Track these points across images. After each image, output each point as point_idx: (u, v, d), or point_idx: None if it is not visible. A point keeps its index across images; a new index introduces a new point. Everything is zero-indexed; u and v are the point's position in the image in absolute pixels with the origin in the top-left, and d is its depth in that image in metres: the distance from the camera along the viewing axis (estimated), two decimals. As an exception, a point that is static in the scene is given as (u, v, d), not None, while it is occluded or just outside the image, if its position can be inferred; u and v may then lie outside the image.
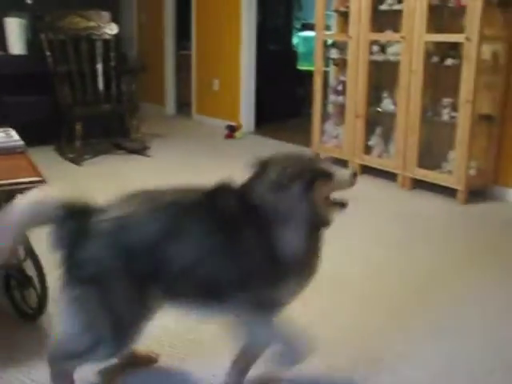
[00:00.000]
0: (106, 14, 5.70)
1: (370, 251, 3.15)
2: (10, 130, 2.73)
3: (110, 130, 5.79)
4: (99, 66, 5.48)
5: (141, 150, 5.51)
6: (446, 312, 2.46)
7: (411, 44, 4.25)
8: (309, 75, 5.58)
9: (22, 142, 2.54)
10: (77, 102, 5.25)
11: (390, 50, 4.57)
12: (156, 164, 5.14)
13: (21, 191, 2.12)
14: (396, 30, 4.46)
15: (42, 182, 2.08)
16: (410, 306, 2.51)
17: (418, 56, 4.21)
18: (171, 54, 8.26)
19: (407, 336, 2.26)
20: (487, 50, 4.07)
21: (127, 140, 5.65)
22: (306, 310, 2.42)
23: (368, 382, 1.96)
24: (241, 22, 6.65)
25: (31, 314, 2.30)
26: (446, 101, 4.21)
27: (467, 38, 3.86)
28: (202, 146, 5.98)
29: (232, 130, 6.43)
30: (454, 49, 4.12)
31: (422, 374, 2.01)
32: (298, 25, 8.75)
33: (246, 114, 6.82)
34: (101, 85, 5.49)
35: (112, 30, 5.58)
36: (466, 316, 2.44)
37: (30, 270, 2.24)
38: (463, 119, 3.98)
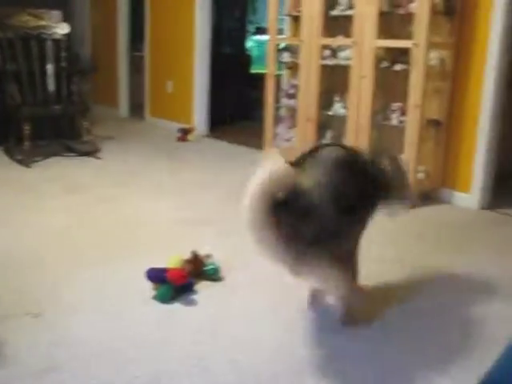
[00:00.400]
0: (57, 14, 5.61)
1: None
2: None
3: (61, 132, 5.70)
4: (49, 66, 5.38)
5: (92, 153, 5.43)
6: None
7: (362, 49, 4.31)
8: (262, 78, 5.60)
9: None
10: (26, 102, 5.15)
11: (342, 54, 4.63)
12: (107, 166, 5.07)
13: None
14: (347, 35, 4.52)
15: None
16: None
17: (369, 61, 4.27)
18: (124, 56, 8.17)
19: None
20: (435, 57, 4.17)
21: (78, 142, 5.57)
22: (250, 309, 2.43)
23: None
24: (195, 25, 6.64)
25: None
26: (396, 105, 4.29)
27: (415, 44, 3.94)
28: (155, 148, 5.94)
29: (185, 133, 6.40)
30: (404, 54, 4.20)
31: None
32: (252, 29, 8.79)
33: (200, 116, 6.80)
34: (51, 85, 5.39)
35: (63, 29, 5.49)
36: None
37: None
38: (412, 123, 4.06)
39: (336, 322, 2.35)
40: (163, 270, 2.55)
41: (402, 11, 4.18)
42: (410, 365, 2.09)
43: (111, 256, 3.00)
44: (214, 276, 2.73)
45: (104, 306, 2.45)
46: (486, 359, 1.65)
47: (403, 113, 4.21)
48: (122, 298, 2.53)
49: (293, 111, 5.14)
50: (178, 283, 2.51)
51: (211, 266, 2.74)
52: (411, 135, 4.07)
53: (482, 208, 4.14)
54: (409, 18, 4.08)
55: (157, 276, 2.54)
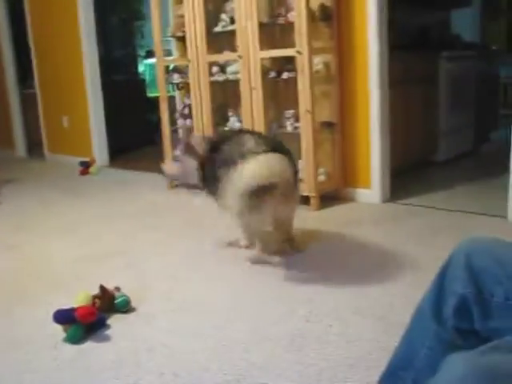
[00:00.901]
0: None
1: (226, 271, 3.19)
2: None
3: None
4: None
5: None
6: (301, 317, 2.53)
7: (248, 62, 4.37)
8: (158, 101, 5.57)
9: None
10: None
11: (230, 69, 4.68)
12: (6, 212, 4.89)
13: None
14: (234, 49, 4.58)
15: None
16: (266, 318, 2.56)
17: (256, 73, 4.34)
18: (15, 94, 7.94)
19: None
20: (319, 62, 4.29)
21: None
22: (167, 336, 2.41)
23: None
24: (82, 56, 6.54)
25: None
26: (288, 112, 4.38)
27: (298, 52, 4.04)
28: (57, 186, 5.79)
29: (86, 166, 6.28)
30: (290, 62, 4.29)
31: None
32: (142, 53, 8.74)
33: (99, 147, 6.68)
34: None
35: None
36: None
37: None
38: (305, 128, 4.15)
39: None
40: (71, 310, 2.47)
41: (281, 21, 4.28)
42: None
43: (16, 304, 2.88)
44: (125, 308, 2.68)
45: (11, 357, 2.35)
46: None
47: (297, 119, 4.30)
48: (31, 345, 2.44)
49: (190, 131, 5.14)
50: (87, 321, 2.45)
51: (121, 298, 2.69)
52: (306, 140, 4.16)
53: (384, 201, 4.29)
54: (289, 26, 4.18)
55: (65, 317, 2.46)
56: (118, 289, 2.74)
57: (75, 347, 2.39)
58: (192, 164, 3.23)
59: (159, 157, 5.44)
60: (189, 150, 3.26)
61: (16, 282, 3.21)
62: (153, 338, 2.43)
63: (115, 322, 2.59)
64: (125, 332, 2.49)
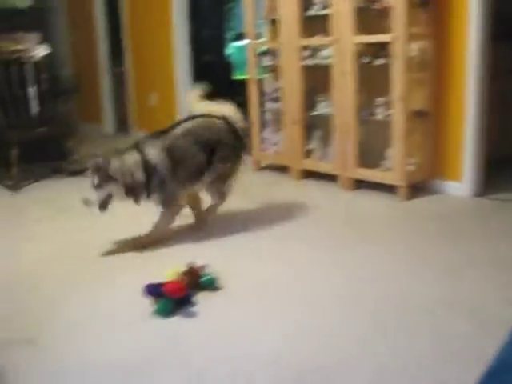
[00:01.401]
0: (34, 36, 5.58)
1: (313, 254, 3.16)
2: None
3: (48, 154, 5.66)
4: (31, 89, 5.36)
5: (80, 172, 5.40)
6: (389, 308, 2.49)
7: (341, 47, 4.31)
8: (244, 84, 5.57)
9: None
10: (11, 126, 5.12)
11: (322, 53, 4.62)
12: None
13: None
14: (326, 33, 4.52)
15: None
16: (359, 308, 2.53)
17: (349, 58, 4.27)
18: (106, 72, 8.16)
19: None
20: (414, 48, 4.16)
21: (66, 162, 5.54)
22: (247, 313, 2.43)
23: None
24: (173, 35, 6.62)
25: None
26: (380, 100, 4.28)
27: (394, 38, 3.94)
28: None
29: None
30: (384, 48, 4.19)
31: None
32: (231, 35, 8.77)
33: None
34: (34, 108, 5.36)
35: (42, 51, 5.47)
36: (411, 312, 2.47)
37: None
38: (397, 116, 4.06)
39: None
40: (161, 285, 2.53)
41: (377, 6, 4.18)
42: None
43: (108, 276, 2.98)
44: (211, 286, 2.71)
45: (104, 328, 2.43)
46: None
47: (388, 107, 4.20)
48: (122, 316, 2.51)
49: (278, 114, 5.14)
50: (176, 296, 2.49)
51: (208, 277, 2.72)
52: (398, 128, 4.07)
53: (475, 195, 4.14)
54: (385, 11, 4.08)
55: (154, 291, 2.52)
56: (204, 267, 2.77)
57: (164, 321, 2.44)
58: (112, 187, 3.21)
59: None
60: (103, 177, 3.20)
61: (107, 254, 3.30)
62: (238, 318, 2.45)
63: (201, 299, 2.63)
64: (211, 311, 2.53)
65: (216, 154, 3.43)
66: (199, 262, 2.78)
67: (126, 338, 2.33)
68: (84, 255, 3.30)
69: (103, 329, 2.42)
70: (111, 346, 2.26)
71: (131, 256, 3.24)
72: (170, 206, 3.35)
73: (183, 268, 2.70)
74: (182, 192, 3.40)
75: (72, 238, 3.62)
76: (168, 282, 2.53)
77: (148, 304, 2.54)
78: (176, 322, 2.44)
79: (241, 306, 2.57)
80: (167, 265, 2.76)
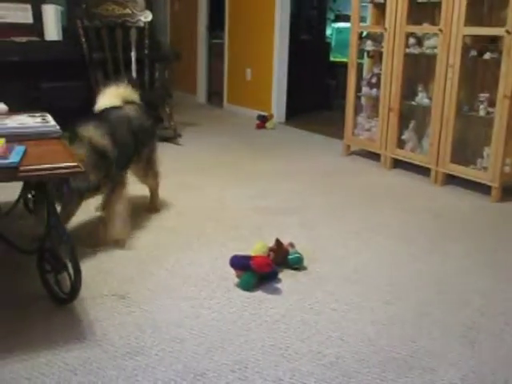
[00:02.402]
0: (140, 2, 5.70)
1: (398, 247, 3.12)
2: (47, 115, 2.75)
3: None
4: (133, 54, 5.48)
5: (173, 139, 5.53)
6: (476, 310, 2.43)
7: (449, 37, 4.17)
8: (341, 67, 5.53)
9: (58, 127, 2.55)
10: (110, 88, 5.27)
11: (427, 43, 4.49)
12: (188, 152, 5.15)
13: (56, 176, 2.14)
14: (433, 22, 4.40)
15: (77, 167, 2.09)
16: (438, 305, 2.48)
17: (456, 50, 4.14)
18: (204, 43, 8.26)
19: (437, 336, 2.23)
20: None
21: (160, 128, 5.67)
22: (336, 302, 2.42)
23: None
24: (274, 12, 6.62)
25: (64, 299, 2.33)
26: (483, 96, 4.13)
27: (508, 32, 3.78)
28: (233, 135, 5.98)
29: (263, 120, 6.41)
30: (493, 42, 4.04)
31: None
32: (331, 16, 8.67)
33: (278, 104, 6.80)
34: (134, 72, 5.50)
35: (146, 17, 5.58)
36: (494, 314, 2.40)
37: (65, 255, 2.26)
38: (500, 115, 3.91)
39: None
40: (248, 258, 2.56)
41: (493, -3, 4.02)
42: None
43: (195, 241, 3.04)
44: (297, 265, 2.72)
45: (188, 291, 2.49)
46: None
47: (491, 103, 4.06)
48: (206, 283, 2.57)
49: (374, 101, 5.06)
50: (262, 271, 2.52)
51: (295, 255, 2.73)
52: (499, 127, 3.93)
53: None
54: (501, 3, 3.92)
55: (241, 263, 2.55)
56: (292, 245, 2.79)
57: (246, 294, 2.47)
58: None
59: (336, 122, 5.44)
60: None
61: (196, 221, 3.38)
62: (321, 300, 2.45)
63: (286, 277, 2.65)
64: (295, 289, 2.54)
65: (141, 139, 3.28)
66: (285, 240, 2.80)
67: (208, 305, 2.37)
68: (177, 219, 3.39)
69: (188, 294, 2.47)
70: (199, 311, 2.32)
71: (224, 225, 3.30)
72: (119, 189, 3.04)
73: (271, 243, 2.72)
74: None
75: (166, 200, 3.71)
76: (255, 256, 2.55)
77: (232, 275, 2.58)
78: (258, 296, 2.47)
79: (325, 287, 2.57)
80: (253, 239, 2.79)
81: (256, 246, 2.65)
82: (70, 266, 2.24)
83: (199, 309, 2.34)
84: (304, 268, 2.74)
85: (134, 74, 5.50)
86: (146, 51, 5.54)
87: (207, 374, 1.91)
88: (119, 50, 5.39)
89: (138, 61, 5.50)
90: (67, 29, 5.57)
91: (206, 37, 8.28)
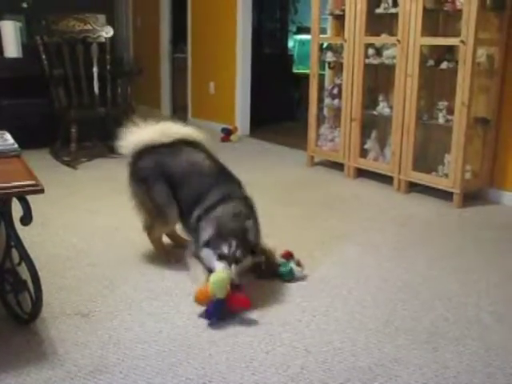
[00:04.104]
0: (101, 17, 5.70)
1: (362, 255, 3.15)
2: (5, 133, 2.71)
3: (106, 134, 5.77)
4: (95, 70, 5.45)
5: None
6: (439, 316, 2.46)
7: (407, 47, 4.25)
8: (304, 78, 5.58)
9: (16, 146, 2.53)
10: (72, 105, 5.24)
11: (386, 53, 4.56)
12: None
13: (15, 195, 2.11)
14: (392, 33, 4.47)
15: (36, 185, 2.06)
16: (402, 312, 2.50)
17: (414, 59, 4.21)
18: (167, 57, 8.27)
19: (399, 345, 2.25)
20: (482, 54, 4.08)
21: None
22: (301, 312, 2.43)
23: None
24: (236, 26, 6.66)
25: (26, 319, 2.29)
26: (442, 104, 4.21)
27: (462, 42, 3.86)
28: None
29: (228, 133, 6.42)
30: (450, 52, 4.13)
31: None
32: (293, 28, 8.74)
33: (242, 117, 6.82)
34: (96, 88, 5.46)
35: (107, 32, 5.56)
36: (462, 317, 2.43)
37: (24, 274, 2.22)
38: (459, 122, 3.98)
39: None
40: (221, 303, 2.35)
41: (448, 8, 4.10)
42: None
43: (159, 256, 3.02)
44: (288, 277, 2.74)
45: (152, 307, 2.47)
46: None
47: (450, 111, 4.13)
48: (169, 298, 2.55)
49: (336, 111, 5.11)
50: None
51: (286, 269, 2.75)
52: (458, 134, 4.00)
53: (533, 208, 4.05)
54: (455, 14, 4.00)
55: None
56: (289, 255, 2.84)
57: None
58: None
59: (300, 133, 5.46)
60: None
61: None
62: (286, 311, 2.45)
63: (250, 289, 2.63)
64: (259, 300, 2.53)
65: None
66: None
67: (173, 320, 2.36)
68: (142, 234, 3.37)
69: (153, 310, 2.45)
70: (163, 327, 2.30)
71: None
72: None
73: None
74: None
75: (131, 216, 3.67)
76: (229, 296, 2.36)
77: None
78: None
79: (289, 298, 2.57)
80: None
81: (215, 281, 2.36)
82: (30, 285, 2.21)
83: (163, 324, 2.33)
84: (302, 278, 2.77)
85: (96, 90, 5.47)
86: (108, 67, 5.51)
87: (171, 390, 1.89)
88: (81, 66, 5.35)
89: (100, 77, 5.47)
90: (27, 45, 5.53)
91: (169, 51, 8.28)
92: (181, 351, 2.12)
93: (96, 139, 5.60)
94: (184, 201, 2.78)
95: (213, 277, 2.35)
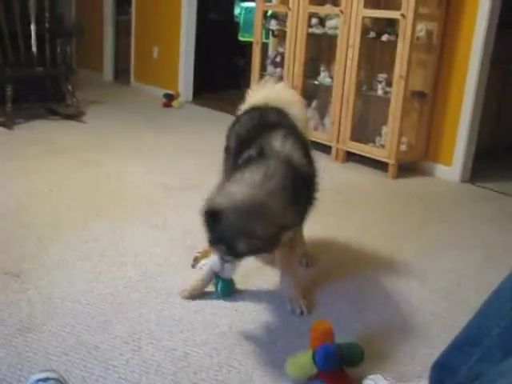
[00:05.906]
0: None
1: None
2: None
3: (44, 95, 5.64)
4: (33, 27, 5.28)
5: (75, 116, 5.39)
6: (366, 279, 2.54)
7: (349, 18, 4.29)
8: (249, 46, 5.55)
9: None
10: (8, 63, 5.07)
11: (329, 23, 4.60)
12: (91, 130, 5.04)
13: None
14: (336, 3, 4.50)
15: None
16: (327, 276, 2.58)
17: (356, 30, 4.26)
18: (110, 19, 8.05)
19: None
20: (422, 28, 4.16)
21: (62, 105, 5.52)
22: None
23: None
24: (181, -11, 6.55)
25: None
26: (381, 76, 4.29)
27: (402, 15, 3.92)
28: (139, 113, 5.90)
29: (170, 99, 6.36)
30: (391, 25, 4.19)
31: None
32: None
33: (185, 82, 6.74)
34: (34, 46, 5.30)
35: (47, -12, 5.38)
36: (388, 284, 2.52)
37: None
38: (396, 95, 4.07)
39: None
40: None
41: (390, -19, 4.16)
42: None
43: (93, 218, 3.00)
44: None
45: (84, 267, 2.46)
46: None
47: (389, 84, 4.21)
48: (102, 259, 2.54)
49: (278, 79, 5.12)
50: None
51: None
52: (395, 106, 4.09)
53: (463, 181, 4.18)
54: (397, -13, 4.07)
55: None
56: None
57: (142, 268, 2.47)
58: None
59: (243, 101, 5.45)
60: None
61: (95, 198, 3.33)
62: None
63: (182, 254, 2.65)
64: (189, 263, 2.55)
65: None
66: (184, 217, 2.80)
67: (103, 281, 2.36)
68: (77, 195, 3.33)
69: (83, 269, 2.45)
70: (94, 286, 2.30)
71: (126, 201, 3.27)
72: None
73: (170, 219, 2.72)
74: None
75: (66, 177, 3.63)
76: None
77: (129, 251, 2.57)
78: (154, 270, 2.47)
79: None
80: (159, 216, 2.76)
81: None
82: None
83: (94, 284, 2.33)
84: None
85: (34, 49, 5.31)
86: (47, 25, 5.35)
87: (100, 347, 1.91)
88: (17, 22, 5.17)
89: (39, 35, 5.31)
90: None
91: (113, 13, 8.07)
92: (111, 310, 2.13)
93: (34, 100, 5.46)
94: None
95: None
